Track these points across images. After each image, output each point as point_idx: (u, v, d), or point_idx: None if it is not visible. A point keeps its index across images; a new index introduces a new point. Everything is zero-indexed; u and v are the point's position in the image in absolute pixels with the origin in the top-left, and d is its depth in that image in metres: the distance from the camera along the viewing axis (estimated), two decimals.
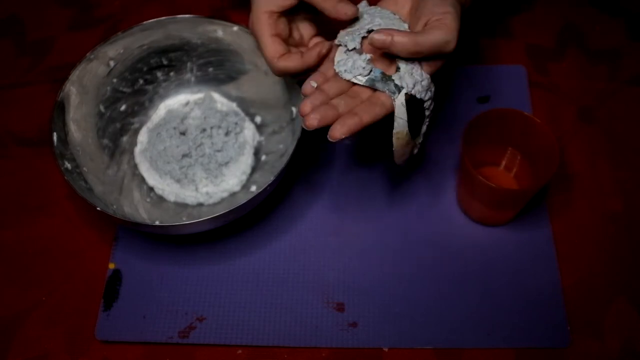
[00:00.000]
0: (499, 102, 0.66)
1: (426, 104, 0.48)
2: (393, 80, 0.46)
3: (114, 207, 0.56)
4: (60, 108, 0.56)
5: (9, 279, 0.58)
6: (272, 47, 0.50)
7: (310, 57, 0.49)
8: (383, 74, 0.46)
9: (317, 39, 0.52)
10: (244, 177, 0.61)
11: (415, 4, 0.49)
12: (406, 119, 0.46)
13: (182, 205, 0.60)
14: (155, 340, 0.54)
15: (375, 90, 0.47)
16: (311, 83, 0.47)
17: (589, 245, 0.58)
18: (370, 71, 0.46)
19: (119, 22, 0.74)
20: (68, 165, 0.55)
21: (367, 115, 0.45)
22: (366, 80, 0.46)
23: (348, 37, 0.48)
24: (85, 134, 0.59)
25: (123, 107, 0.63)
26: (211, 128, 0.62)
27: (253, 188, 0.61)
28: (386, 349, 0.54)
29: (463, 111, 0.65)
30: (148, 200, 0.61)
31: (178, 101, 0.65)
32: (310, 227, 0.60)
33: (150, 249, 0.59)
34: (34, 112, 0.68)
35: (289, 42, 0.52)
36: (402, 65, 0.46)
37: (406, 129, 0.47)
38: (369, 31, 0.48)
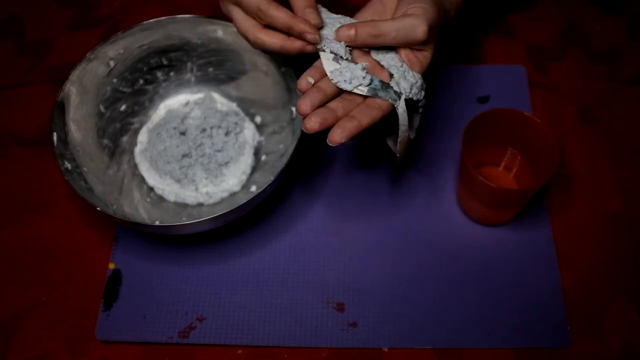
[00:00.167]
0: (499, 102, 0.66)
1: (420, 103, 0.49)
2: (392, 87, 0.46)
3: (114, 207, 0.56)
4: (60, 108, 0.56)
5: (9, 279, 0.58)
6: (249, 19, 0.48)
7: (294, 44, 0.46)
8: (382, 82, 0.46)
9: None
10: (244, 177, 0.61)
11: (397, 4, 0.49)
12: (407, 124, 0.47)
13: (182, 205, 0.60)
14: (155, 340, 0.54)
15: None
16: (308, 79, 0.46)
17: (589, 245, 0.58)
18: (371, 81, 0.46)
19: (119, 22, 0.74)
20: (68, 165, 0.55)
21: (366, 118, 0.45)
22: (368, 90, 0.46)
23: (331, 46, 0.47)
24: (85, 134, 0.59)
25: (123, 107, 0.63)
26: (211, 128, 0.62)
27: (253, 188, 0.61)
28: (386, 349, 0.54)
29: (463, 111, 0.65)
30: (148, 200, 0.61)
31: (178, 101, 0.65)
32: (310, 227, 0.60)
33: (150, 249, 0.59)
34: (34, 112, 0.68)
35: None
36: (395, 71, 0.47)
37: (407, 132, 0.47)
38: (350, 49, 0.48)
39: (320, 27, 0.47)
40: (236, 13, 0.49)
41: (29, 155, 0.65)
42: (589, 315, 0.54)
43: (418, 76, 0.47)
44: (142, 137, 0.64)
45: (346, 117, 0.45)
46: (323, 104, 0.46)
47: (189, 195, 0.60)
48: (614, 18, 0.72)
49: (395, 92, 0.46)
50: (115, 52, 0.60)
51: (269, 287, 0.57)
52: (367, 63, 0.47)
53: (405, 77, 0.46)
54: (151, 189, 0.61)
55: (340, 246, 0.58)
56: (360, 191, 0.61)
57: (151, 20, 0.60)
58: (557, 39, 0.70)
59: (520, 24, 0.72)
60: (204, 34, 0.61)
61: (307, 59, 0.48)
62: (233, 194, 0.61)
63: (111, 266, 0.58)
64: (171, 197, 0.61)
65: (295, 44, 0.47)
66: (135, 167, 0.62)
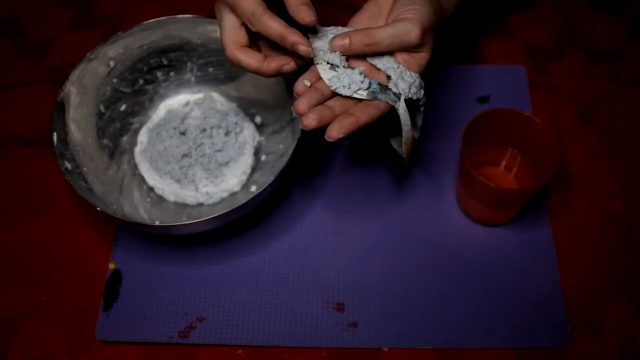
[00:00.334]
0: (499, 102, 0.66)
1: (421, 101, 0.49)
2: (390, 89, 0.46)
3: (114, 207, 0.56)
4: (60, 108, 0.56)
5: (9, 279, 0.58)
6: (235, 32, 0.47)
7: (274, 68, 0.47)
8: (380, 84, 0.46)
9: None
10: (244, 177, 0.61)
11: (392, 5, 0.49)
12: (410, 124, 0.47)
13: (182, 205, 0.60)
14: (155, 340, 0.54)
15: None
16: (304, 82, 0.46)
17: (589, 245, 0.58)
18: (370, 84, 0.46)
19: (119, 22, 0.74)
20: (68, 165, 0.55)
21: (364, 116, 0.45)
22: (367, 94, 0.46)
23: (325, 57, 0.47)
24: (85, 134, 0.59)
25: (123, 107, 0.63)
26: (211, 128, 0.62)
27: (253, 188, 0.61)
28: (386, 349, 0.54)
29: (463, 111, 0.65)
30: (148, 200, 0.61)
31: (178, 101, 0.65)
32: (310, 227, 0.60)
33: (150, 249, 0.59)
34: (34, 112, 0.68)
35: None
36: (392, 73, 0.47)
37: (411, 133, 0.47)
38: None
39: (314, 33, 0.48)
40: (226, 20, 0.48)
41: (29, 155, 0.65)
42: (589, 315, 0.54)
43: (416, 75, 0.47)
44: (142, 137, 0.64)
45: (344, 114, 0.45)
46: (321, 104, 0.46)
47: (189, 195, 0.60)
48: (613, 19, 0.72)
49: (394, 93, 0.46)
50: (115, 52, 0.60)
51: (269, 287, 0.57)
52: (364, 67, 0.47)
53: (402, 77, 0.47)
54: (151, 189, 0.61)
55: (340, 246, 0.58)
56: (360, 191, 0.61)
57: (151, 20, 0.60)
58: (556, 39, 0.71)
59: (520, 24, 0.72)
60: (204, 34, 0.61)
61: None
62: (233, 194, 0.61)
63: (111, 266, 0.58)
64: (171, 197, 0.61)
65: (271, 66, 0.47)
66: (135, 167, 0.62)
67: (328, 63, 0.47)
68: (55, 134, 0.55)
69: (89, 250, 0.59)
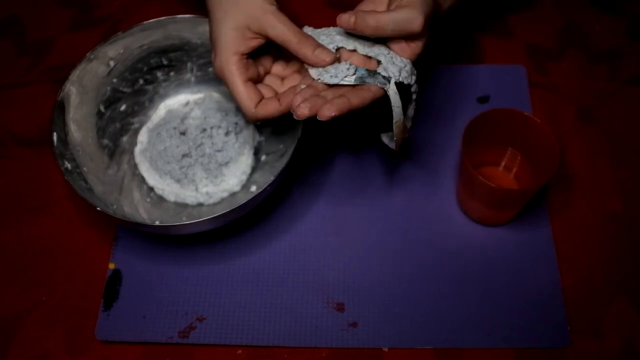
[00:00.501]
0: (499, 102, 0.66)
1: (412, 88, 0.49)
2: (379, 73, 0.47)
3: (114, 207, 0.56)
4: (60, 108, 0.56)
5: (9, 279, 0.58)
6: (247, 95, 0.48)
7: (288, 102, 0.48)
8: (368, 70, 0.47)
9: (279, 67, 0.52)
10: (244, 177, 0.61)
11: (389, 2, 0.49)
12: (401, 106, 0.47)
13: (182, 205, 0.60)
14: (155, 340, 0.54)
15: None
16: (301, 87, 0.48)
17: (589, 245, 0.58)
18: (356, 70, 0.47)
19: (119, 22, 0.74)
20: (68, 165, 0.55)
21: (356, 98, 0.46)
22: (355, 79, 0.46)
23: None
24: (85, 134, 0.59)
25: (123, 107, 0.63)
26: (211, 128, 0.62)
27: (253, 188, 0.61)
28: (386, 349, 0.54)
29: (463, 111, 0.65)
30: (148, 200, 0.61)
31: (178, 101, 0.65)
32: (310, 227, 0.60)
33: (150, 249, 0.59)
34: (34, 112, 0.68)
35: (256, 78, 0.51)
36: (382, 58, 0.47)
37: (402, 116, 0.48)
38: (336, 49, 0.49)
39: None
40: (240, 74, 0.48)
41: (29, 155, 0.65)
42: (589, 315, 0.54)
43: (407, 61, 0.48)
44: (142, 137, 0.64)
45: (336, 96, 0.46)
46: None
47: (189, 195, 0.60)
48: (613, 19, 0.72)
49: (384, 76, 0.47)
50: (115, 52, 0.60)
51: (269, 287, 0.57)
52: (352, 60, 0.48)
53: (393, 62, 0.47)
54: (151, 189, 0.61)
55: (340, 246, 0.58)
56: (360, 191, 0.61)
57: (151, 20, 0.60)
58: (556, 39, 0.71)
59: (519, 24, 0.72)
60: (204, 33, 0.61)
61: None
62: (233, 194, 0.61)
63: (111, 266, 0.58)
64: (171, 197, 0.61)
65: (285, 102, 0.48)
66: (135, 167, 0.62)
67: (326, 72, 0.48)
68: (55, 133, 0.55)
69: (89, 250, 0.59)
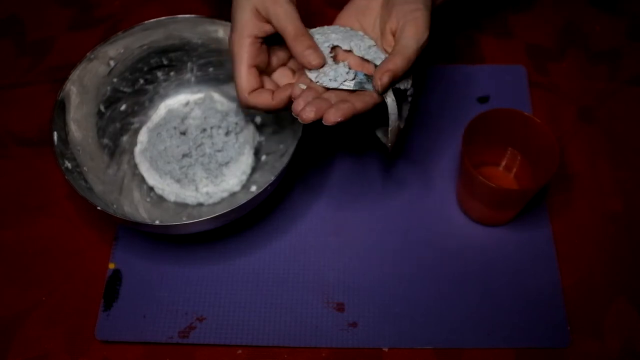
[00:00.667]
0: (499, 102, 0.66)
1: (409, 92, 0.49)
2: None
3: (114, 206, 0.56)
4: (61, 108, 0.56)
5: (9, 279, 0.58)
6: (247, 79, 0.49)
7: (281, 99, 0.48)
8: (367, 75, 0.47)
9: (284, 71, 0.52)
10: (244, 177, 0.61)
11: (385, 1, 0.49)
12: (397, 113, 0.47)
13: (182, 205, 0.60)
14: (155, 340, 0.54)
15: None
16: (300, 86, 0.47)
17: (589, 245, 0.58)
18: (355, 75, 0.47)
19: (119, 22, 0.74)
20: (68, 164, 0.55)
21: (359, 103, 0.46)
22: (354, 85, 0.46)
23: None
24: (86, 134, 0.59)
25: (123, 107, 0.63)
26: (211, 128, 0.62)
27: (253, 188, 0.61)
28: (386, 349, 0.54)
29: (463, 111, 0.65)
30: (148, 200, 0.61)
31: (178, 101, 0.65)
32: (310, 227, 0.60)
33: (150, 249, 0.59)
34: (34, 112, 0.68)
35: (267, 70, 0.51)
36: (379, 62, 0.47)
37: (397, 122, 0.48)
38: (332, 48, 0.49)
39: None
40: (245, 60, 0.48)
41: (29, 155, 0.65)
42: (589, 315, 0.54)
43: None
44: (142, 136, 0.64)
45: (340, 101, 0.46)
46: None
47: (189, 195, 0.60)
48: (613, 19, 0.72)
49: None
50: (116, 51, 0.60)
51: (269, 287, 0.57)
52: (349, 60, 0.48)
53: None
54: (151, 188, 0.61)
55: (340, 246, 0.58)
56: (360, 191, 0.61)
57: (151, 20, 0.60)
58: (556, 39, 0.71)
59: (519, 24, 0.72)
60: (204, 34, 0.61)
61: None
62: (233, 194, 0.61)
63: (111, 266, 0.58)
64: (171, 197, 0.61)
65: (279, 98, 0.48)
66: (135, 166, 0.62)
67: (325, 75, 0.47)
68: (55, 133, 0.55)
69: (89, 250, 0.59)
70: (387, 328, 0.54)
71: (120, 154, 0.62)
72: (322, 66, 0.47)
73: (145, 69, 0.63)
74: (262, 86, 0.50)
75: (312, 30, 0.50)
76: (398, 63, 0.45)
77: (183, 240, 0.59)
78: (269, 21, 0.48)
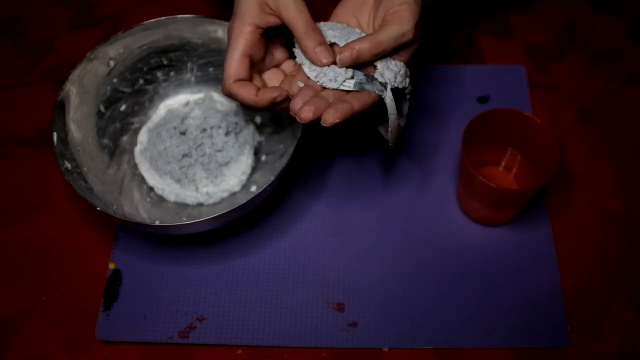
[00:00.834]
0: (499, 102, 0.66)
1: (407, 90, 0.49)
2: (377, 79, 0.47)
3: (114, 207, 0.56)
4: (61, 108, 0.56)
5: (9, 279, 0.58)
6: (237, 66, 0.47)
7: (264, 99, 0.47)
8: (366, 75, 0.47)
9: (290, 65, 0.51)
10: (244, 177, 0.61)
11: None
12: (396, 113, 0.47)
13: (182, 205, 0.60)
14: (155, 340, 0.54)
15: None
16: (297, 84, 0.47)
17: (589, 245, 0.58)
18: (355, 75, 0.47)
19: (119, 22, 0.74)
20: (68, 165, 0.55)
21: (357, 102, 0.46)
22: (354, 85, 0.46)
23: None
24: (86, 134, 0.59)
25: (123, 107, 0.63)
26: (211, 128, 0.62)
27: (253, 188, 0.61)
28: (386, 349, 0.54)
29: (463, 111, 0.65)
30: (148, 200, 0.61)
31: (178, 101, 0.65)
32: (310, 227, 0.60)
33: (150, 249, 0.59)
34: (34, 112, 0.68)
35: (259, 66, 0.50)
36: (378, 62, 0.47)
37: (397, 121, 0.48)
38: (330, 45, 0.48)
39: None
40: (238, 48, 0.47)
41: (29, 155, 0.65)
42: (589, 315, 0.54)
43: (401, 64, 0.48)
44: (142, 137, 0.64)
45: (339, 101, 0.45)
46: None
47: (189, 195, 0.60)
48: (613, 19, 0.72)
49: (381, 83, 0.47)
50: (116, 52, 0.60)
51: (269, 287, 0.57)
52: None
53: (388, 67, 0.47)
54: (151, 188, 0.61)
55: (340, 246, 0.58)
56: (360, 191, 0.61)
57: (151, 20, 0.60)
58: (556, 39, 0.71)
59: (519, 24, 0.72)
60: (204, 33, 0.61)
61: None
62: (233, 194, 0.61)
63: (111, 266, 0.58)
64: (171, 197, 0.61)
65: (265, 97, 0.47)
66: (135, 167, 0.62)
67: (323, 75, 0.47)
68: (55, 133, 0.55)
69: (89, 250, 0.59)
70: (387, 328, 0.54)
71: (120, 154, 0.62)
72: (331, 64, 0.47)
73: (145, 69, 0.63)
74: (249, 79, 0.49)
75: None
76: (365, 44, 0.45)
77: (183, 240, 0.59)
78: (276, 12, 0.47)
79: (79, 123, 0.58)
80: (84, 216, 0.61)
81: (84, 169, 0.57)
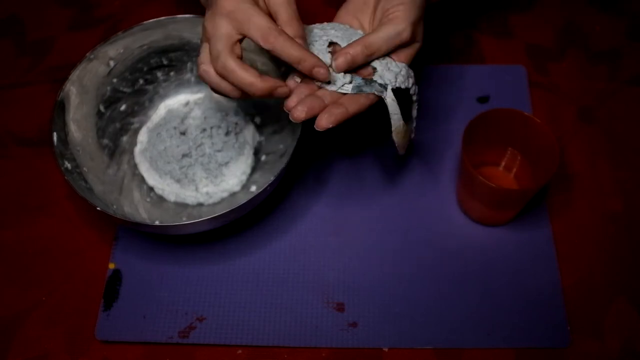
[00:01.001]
0: (499, 102, 0.66)
1: (411, 90, 0.49)
2: (376, 81, 0.47)
3: (114, 207, 0.56)
4: (61, 108, 0.56)
5: (9, 279, 0.58)
6: (232, 44, 0.44)
7: (265, 84, 0.44)
8: (364, 79, 0.47)
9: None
10: (244, 177, 0.61)
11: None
12: (400, 113, 0.47)
13: (182, 205, 0.60)
14: (155, 340, 0.54)
15: None
16: (295, 79, 0.47)
17: (589, 245, 0.58)
18: (352, 79, 0.47)
19: (119, 22, 0.74)
20: (68, 165, 0.55)
21: (353, 105, 0.46)
22: (352, 88, 0.47)
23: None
24: (86, 134, 0.59)
25: (123, 107, 0.63)
26: (211, 128, 0.62)
27: (253, 188, 0.61)
28: (386, 349, 0.54)
29: (463, 111, 0.65)
30: (148, 200, 0.61)
31: (178, 101, 0.65)
32: (310, 227, 0.60)
33: (150, 249, 0.59)
34: (34, 112, 0.68)
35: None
36: (377, 64, 0.47)
37: (402, 122, 0.48)
38: (330, 44, 0.49)
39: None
40: (223, 29, 0.44)
41: (29, 155, 0.65)
42: (589, 315, 0.54)
43: (402, 65, 0.48)
44: (142, 137, 0.64)
45: (334, 104, 0.45)
46: None
47: (189, 195, 0.60)
48: (613, 19, 0.72)
49: (380, 84, 0.47)
50: (116, 52, 0.60)
51: (269, 287, 0.57)
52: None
53: (388, 68, 0.47)
54: (151, 188, 0.61)
55: (340, 246, 0.58)
56: (360, 191, 0.61)
57: (151, 20, 0.60)
58: (556, 39, 0.71)
59: (520, 24, 0.72)
60: None
61: None
62: (233, 194, 0.61)
63: (111, 266, 0.58)
64: (171, 197, 0.61)
65: (266, 84, 0.43)
66: (135, 167, 0.62)
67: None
68: (55, 133, 0.55)
69: (89, 250, 0.59)
70: (387, 328, 0.54)
71: (120, 154, 0.62)
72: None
73: (145, 69, 0.63)
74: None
75: (311, 26, 0.50)
76: (357, 47, 0.45)
77: (183, 240, 0.59)
78: None
79: (79, 123, 0.58)
80: (84, 216, 0.61)
81: (84, 169, 0.57)
